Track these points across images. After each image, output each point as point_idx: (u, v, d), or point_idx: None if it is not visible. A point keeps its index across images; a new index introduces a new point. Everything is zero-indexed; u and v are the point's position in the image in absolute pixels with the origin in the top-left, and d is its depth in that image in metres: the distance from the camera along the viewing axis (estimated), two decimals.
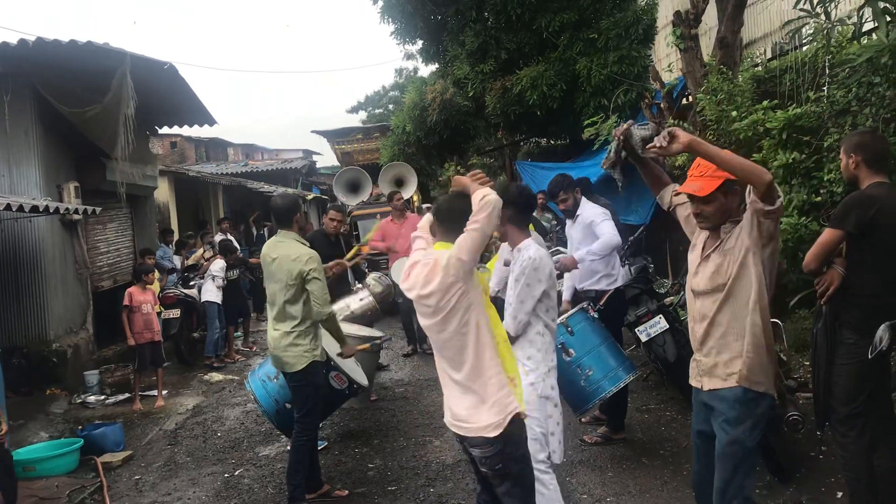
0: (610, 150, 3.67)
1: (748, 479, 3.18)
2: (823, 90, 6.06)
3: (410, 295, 3.28)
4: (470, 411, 3.16)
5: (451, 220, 3.29)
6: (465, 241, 3.09)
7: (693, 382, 3.34)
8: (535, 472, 3.70)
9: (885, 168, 3.81)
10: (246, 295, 11.58)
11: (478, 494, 3.51)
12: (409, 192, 12.34)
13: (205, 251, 11.74)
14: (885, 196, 3.62)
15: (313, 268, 4.75)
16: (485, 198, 3.08)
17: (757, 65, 7.98)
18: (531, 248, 3.79)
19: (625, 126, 3.50)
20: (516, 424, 3.16)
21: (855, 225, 3.56)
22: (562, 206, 6.09)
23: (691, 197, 3.18)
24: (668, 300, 6.06)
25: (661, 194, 3.55)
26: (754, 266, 3.06)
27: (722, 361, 3.15)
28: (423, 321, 3.29)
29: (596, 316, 5.23)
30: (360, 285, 7.39)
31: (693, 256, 3.33)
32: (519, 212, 3.87)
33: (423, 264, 3.24)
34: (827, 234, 3.68)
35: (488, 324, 3.20)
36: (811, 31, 6.32)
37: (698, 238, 3.31)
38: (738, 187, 3.09)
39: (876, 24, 5.24)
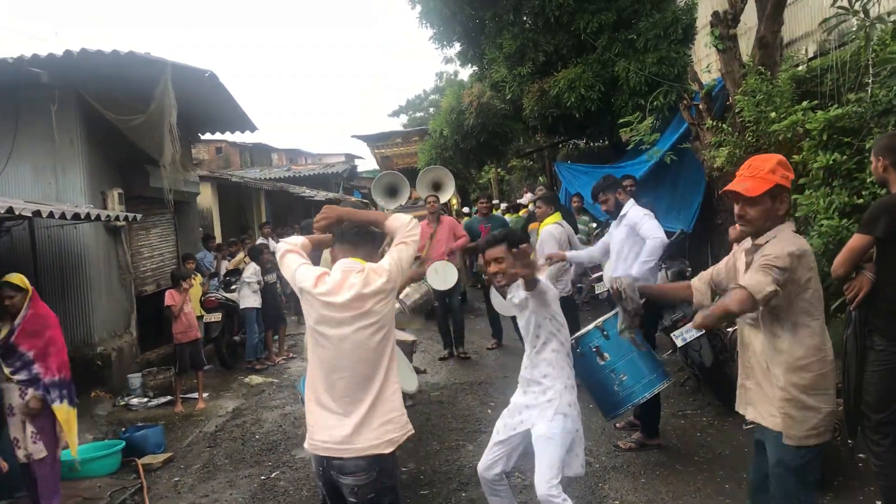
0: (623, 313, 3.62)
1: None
2: (866, 90, 5.92)
3: (329, 299, 3.09)
4: (359, 432, 3.02)
5: (367, 239, 3.32)
6: (403, 252, 3.20)
7: None
8: (548, 499, 3.62)
9: None
10: (283, 299, 11.65)
11: None
12: (447, 195, 12.32)
13: (245, 255, 11.91)
14: None
15: None
16: (411, 220, 3.31)
17: (798, 65, 7.83)
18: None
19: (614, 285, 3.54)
20: (394, 453, 3.11)
21: (884, 230, 3.49)
22: (603, 208, 6.06)
23: (736, 197, 3.03)
24: None
25: (696, 302, 3.43)
26: None
27: None
28: (338, 331, 3.08)
29: None
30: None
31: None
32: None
33: (349, 270, 3.14)
34: (856, 240, 3.60)
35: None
36: (854, 30, 6.19)
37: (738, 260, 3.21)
38: (786, 194, 3.01)
39: None
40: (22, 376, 5.15)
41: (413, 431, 3.19)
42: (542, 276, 3.96)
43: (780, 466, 2.99)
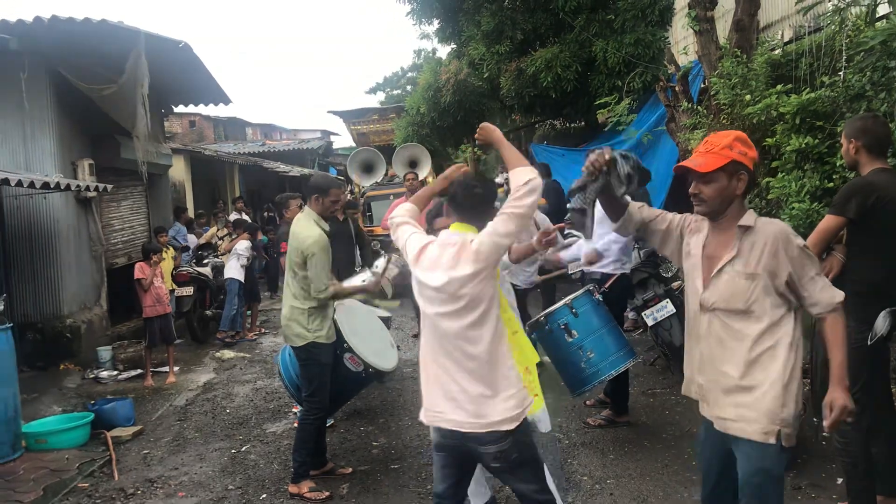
0: (584, 176, 3.05)
1: None
2: (839, 75, 5.97)
3: (425, 278, 3.03)
4: (479, 406, 2.96)
5: (472, 204, 3.13)
6: (504, 222, 2.92)
7: None
8: None
9: (885, 153, 3.77)
10: (256, 276, 11.58)
11: (441, 495, 3.21)
12: (423, 173, 12.31)
13: (218, 229, 11.81)
14: (885, 182, 3.58)
15: (314, 252, 4.76)
16: (530, 182, 2.93)
17: (773, 48, 7.88)
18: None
19: (608, 154, 3.00)
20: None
21: (855, 211, 3.52)
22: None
23: (691, 173, 2.80)
24: (675, 284, 6.03)
25: (623, 220, 3.11)
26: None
27: None
28: (433, 308, 3.03)
29: (601, 299, 5.22)
30: (361, 270, 7.30)
31: (691, 263, 2.91)
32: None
33: (445, 245, 3.02)
34: (827, 221, 3.63)
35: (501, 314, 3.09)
36: (828, 13, 6.24)
37: (692, 244, 2.92)
38: (744, 173, 2.73)
39: (891, 8, 5.18)
40: None
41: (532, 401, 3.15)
42: None
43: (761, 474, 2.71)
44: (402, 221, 3.27)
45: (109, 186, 9.07)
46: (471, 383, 2.98)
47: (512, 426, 2.96)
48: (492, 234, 2.93)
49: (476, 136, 3.25)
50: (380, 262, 7.24)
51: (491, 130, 3.20)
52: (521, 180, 2.94)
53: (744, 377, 2.71)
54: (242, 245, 10.35)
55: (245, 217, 12.62)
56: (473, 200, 3.12)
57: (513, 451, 2.99)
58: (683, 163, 2.84)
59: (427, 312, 3.08)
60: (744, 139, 2.81)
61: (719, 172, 2.73)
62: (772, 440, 2.65)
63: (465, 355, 2.98)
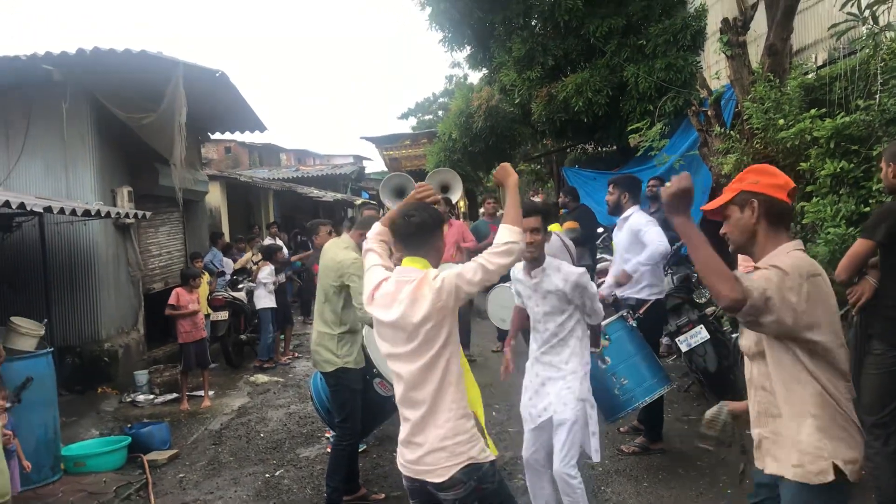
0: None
1: None
2: (874, 98, 5.92)
3: (379, 314, 2.97)
4: (427, 452, 2.90)
5: (410, 232, 3.02)
6: (473, 271, 2.85)
7: None
8: (569, 479, 3.78)
9: None
10: (289, 300, 11.68)
11: None
12: (455, 197, 12.33)
13: (253, 254, 11.96)
14: None
15: (352, 273, 4.82)
16: (511, 245, 2.86)
17: (807, 72, 7.83)
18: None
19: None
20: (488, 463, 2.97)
21: (885, 235, 3.53)
22: (606, 198, 6.07)
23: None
24: (709, 310, 5.99)
25: None
26: None
27: None
28: (389, 349, 2.99)
29: (634, 325, 5.20)
30: None
31: None
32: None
33: (401, 281, 2.94)
34: (858, 245, 3.65)
35: (459, 355, 2.98)
36: (863, 37, 6.20)
37: None
38: (754, 201, 2.55)
39: None
40: None
41: (493, 457, 3.02)
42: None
43: None
44: (369, 248, 3.25)
45: (148, 213, 9.24)
46: (418, 428, 2.93)
47: (459, 473, 2.86)
48: (457, 277, 2.85)
49: (494, 172, 3.23)
50: None
51: (508, 174, 3.12)
52: (506, 238, 2.87)
53: None
54: (264, 272, 10.45)
55: (279, 242, 12.76)
56: (410, 228, 3.00)
57: (472, 499, 2.90)
58: (702, 208, 2.76)
59: (382, 353, 3.05)
60: (759, 169, 2.68)
61: (729, 207, 2.62)
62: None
63: (413, 400, 2.94)
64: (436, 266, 3.02)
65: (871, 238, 3.59)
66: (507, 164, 3.18)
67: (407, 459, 2.97)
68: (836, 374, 2.44)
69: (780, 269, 2.36)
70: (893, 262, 3.62)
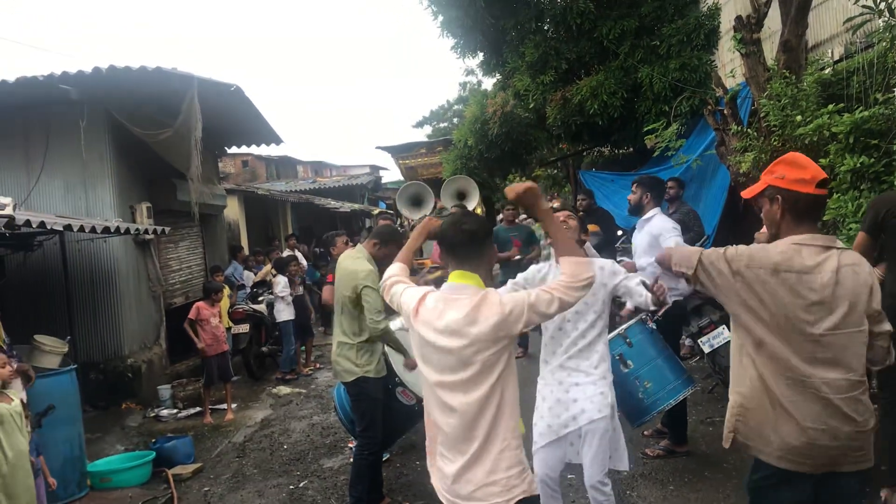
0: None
1: None
2: (893, 91, 5.85)
3: (426, 334, 2.71)
4: (478, 486, 2.64)
5: (462, 241, 2.79)
6: (548, 303, 2.61)
7: None
8: (601, 488, 3.75)
9: None
10: (311, 310, 11.69)
11: None
12: (472, 205, 12.34)
13: (272, 268, 12.00)
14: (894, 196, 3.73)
15: (368, 284, 4.83)
16: (590, 280, 2.66)
17: (823, 68, 7.76)
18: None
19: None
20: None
21: (868, 226, 3.71)
22: (629, 196, 6.05)
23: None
24: None
25: None
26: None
27: None
28: (437, 376, 2.71)
29: (654, 327, 5.15)
30: None
31: None
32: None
33: (449, 299, 2.70)
34: (857, 237, 3.80)
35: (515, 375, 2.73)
36: (879, 31, 6.13)
37: None
38: (779, 195, 2.62)
39: None
40: None
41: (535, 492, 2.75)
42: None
43: None
44: (393, 282, 3.05)
45: (167, 229, 9.31)
46: (472, 462, 2.66)
47: None
48: (530, 308, 2.60)
49: (517, 195, 2.77)
50: None
51: (537, 197, 2.77)
52: (584, 275, 2.65)
53: None
54: (279, 285, 10.50)
55: (298, 254, 12.81)
56: (463, 237, 2.78)
57: None
58: (742, 193, 2.88)
59: (429, 380, 2.77)
60: (789, 160, 2.68)
61: (761, 197, 2.69)
62: None
63: (468, 436, 2.66)
64: (487, 282, 2.82)
65: (862, 229, 3.77)
66: (533, 186, 2.77)
67: (458, 495, 2.70)
68: (779, 369, 2.56)
69: (730, 248, 2.63)
70: (887, 251, 3.75)
